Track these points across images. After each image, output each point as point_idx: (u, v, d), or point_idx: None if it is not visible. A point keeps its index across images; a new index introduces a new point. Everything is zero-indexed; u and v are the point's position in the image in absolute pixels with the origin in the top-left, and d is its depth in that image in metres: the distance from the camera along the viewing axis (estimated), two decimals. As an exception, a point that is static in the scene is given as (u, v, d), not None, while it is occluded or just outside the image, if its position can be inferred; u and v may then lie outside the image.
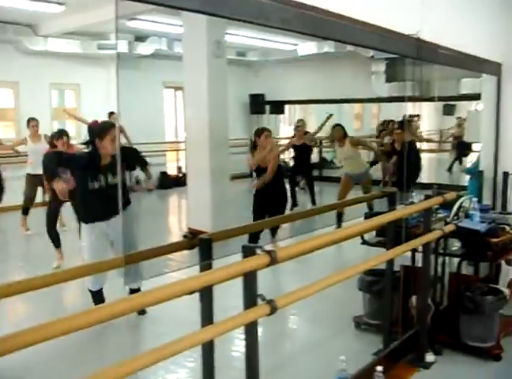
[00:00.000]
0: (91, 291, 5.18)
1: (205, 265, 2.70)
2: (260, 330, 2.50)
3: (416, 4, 4.18)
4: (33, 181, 8.56)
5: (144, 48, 12.20)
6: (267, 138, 7.06)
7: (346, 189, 8.71)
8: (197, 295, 2.47)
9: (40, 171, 6.47)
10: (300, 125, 10.62)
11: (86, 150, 5.49)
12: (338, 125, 8.85)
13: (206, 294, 2.59)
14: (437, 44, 4.42)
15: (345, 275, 3.02)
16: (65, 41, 11.66)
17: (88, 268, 2.86)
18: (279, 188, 7.31)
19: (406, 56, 4.33)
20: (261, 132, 7.17)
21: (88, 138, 5.34)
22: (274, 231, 6.87)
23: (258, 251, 2.37)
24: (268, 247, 2.40)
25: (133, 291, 4.81)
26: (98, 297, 5.16)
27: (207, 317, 2.63)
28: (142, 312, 5.04)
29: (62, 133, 7.14)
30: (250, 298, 2.36)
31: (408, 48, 4.05)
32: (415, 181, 8.40)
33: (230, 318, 2.20)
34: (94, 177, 4.90)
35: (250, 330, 2.44)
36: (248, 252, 2.39)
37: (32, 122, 8.95)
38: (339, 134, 8.60)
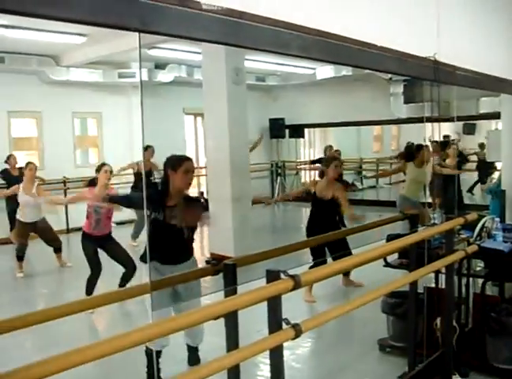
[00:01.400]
0: (189, 347, 4.71)
1: (230, 290, 2.72)
2: (285, 353, 2.51)
3: (432, 26, 4.22)
4: None
5: (164, 75, 12.39)
6: (336, 168, 6.50)
7: None
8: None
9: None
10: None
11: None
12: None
13: (231, 319, 2.62)
14: (454, 66, 4.44)
15: (369, 298, 3.02)
16: (86, 71, 11.94)
17: (115, 294, 2.90)
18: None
19: (424, 79, 4.35)
20: (330, 161, 6.62)
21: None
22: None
23: (282, 275, 2.39)
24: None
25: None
26: (195, 354, 4.71)
27: (232, 342, 2.65)
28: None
29: (102, 166, 6.79)
30: (275, 322, 2.37)
31: (425, 71, 4.08)
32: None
33: (255, 343, 2.22)
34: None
35: (276, 354, 2.45)
36: (272, 276, 2.41)
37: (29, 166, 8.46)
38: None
